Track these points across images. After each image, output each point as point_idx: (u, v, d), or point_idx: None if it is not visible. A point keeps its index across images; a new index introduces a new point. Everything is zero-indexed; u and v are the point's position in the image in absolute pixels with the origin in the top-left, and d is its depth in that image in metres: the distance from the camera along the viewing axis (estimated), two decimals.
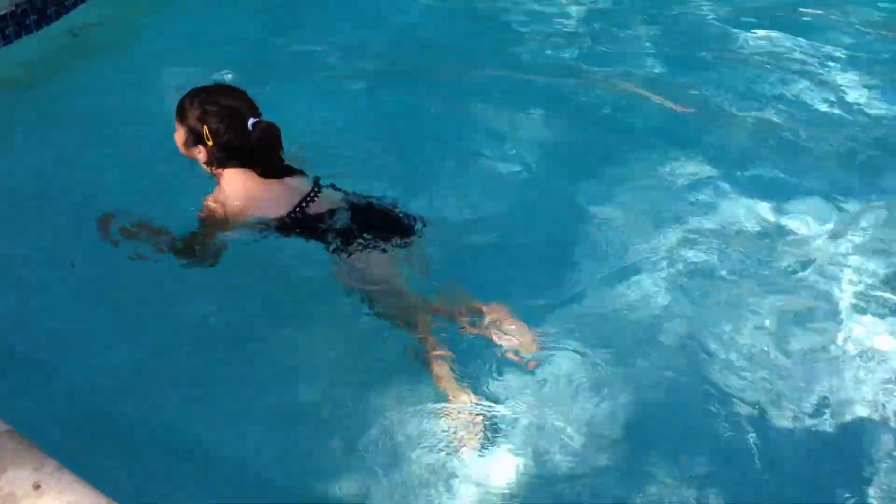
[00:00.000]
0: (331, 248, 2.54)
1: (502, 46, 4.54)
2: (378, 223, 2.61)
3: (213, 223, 2.54)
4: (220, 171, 2.54)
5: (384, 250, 2.57)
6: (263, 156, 2.52)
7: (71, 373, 2.31)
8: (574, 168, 3.53)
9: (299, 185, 2.61)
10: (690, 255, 3.04)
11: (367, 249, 2.55)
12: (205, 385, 2.39)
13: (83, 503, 1.59)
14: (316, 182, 2.65)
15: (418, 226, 2.67)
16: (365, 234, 2.56)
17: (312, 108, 3.75)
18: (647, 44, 4.60)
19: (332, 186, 2.68)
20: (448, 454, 2.25)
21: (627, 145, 3.71)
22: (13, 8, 3.64)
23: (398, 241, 2.60)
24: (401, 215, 2.68)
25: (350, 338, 2.60)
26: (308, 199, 2.57)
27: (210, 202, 2.52)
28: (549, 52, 4.47)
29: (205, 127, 2.48)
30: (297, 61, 4.15)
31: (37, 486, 1.62)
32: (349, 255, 2.53)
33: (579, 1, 5.05)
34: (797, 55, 4.54)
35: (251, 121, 2.47)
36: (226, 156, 2.51)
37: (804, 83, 4.22)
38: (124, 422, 2.12)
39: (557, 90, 4.12)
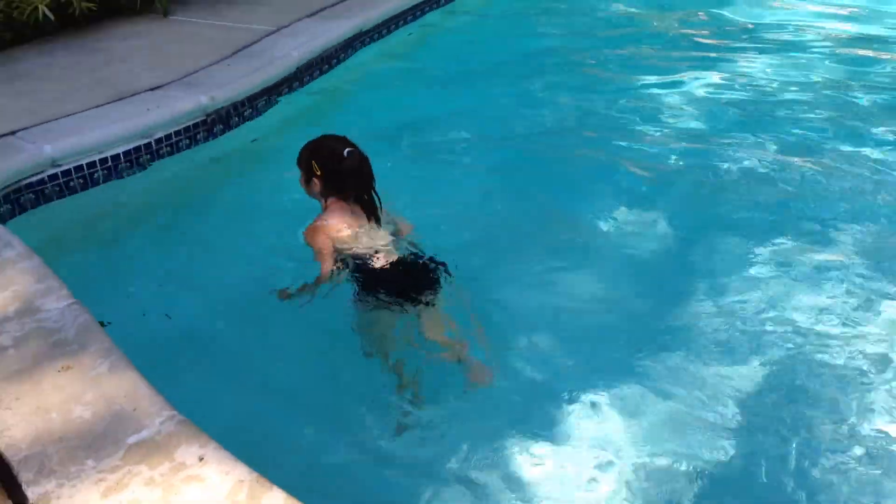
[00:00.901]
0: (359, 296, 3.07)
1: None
2: (417, 285, 3.10)
3: (313, 237, 3.08)
4: (328, 200, 3.14)
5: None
6: (354, 181, 3.08)
7: (231, 379, 2.87)
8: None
9: (379, 236, 3.13)
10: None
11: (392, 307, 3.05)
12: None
13: (235, 471, 1.98)
14: (393, 241, 3.17)
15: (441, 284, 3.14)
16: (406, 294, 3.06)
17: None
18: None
19: (410, 243, 3.21)
20: None
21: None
22: (204, 117, 4.42)
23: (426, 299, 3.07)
24: (436, 277, 3.13)
25: None
26: (377, 251, 3.09)
27: (312, 223, 3.11)
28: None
29: (313, 162, 3.11)
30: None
31: (201, 458, 2.03)
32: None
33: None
34: None
35: (346, 150, 3.05)
36: (329, 184, 3.11)
37: None
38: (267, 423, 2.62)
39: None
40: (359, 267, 3.07)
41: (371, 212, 3.15)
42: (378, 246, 3.10)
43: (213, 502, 1.91)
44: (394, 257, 3.11)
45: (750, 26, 7.24)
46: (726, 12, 7.60)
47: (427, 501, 2.52)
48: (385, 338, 3.12)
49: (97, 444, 2.08)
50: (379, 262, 3.07)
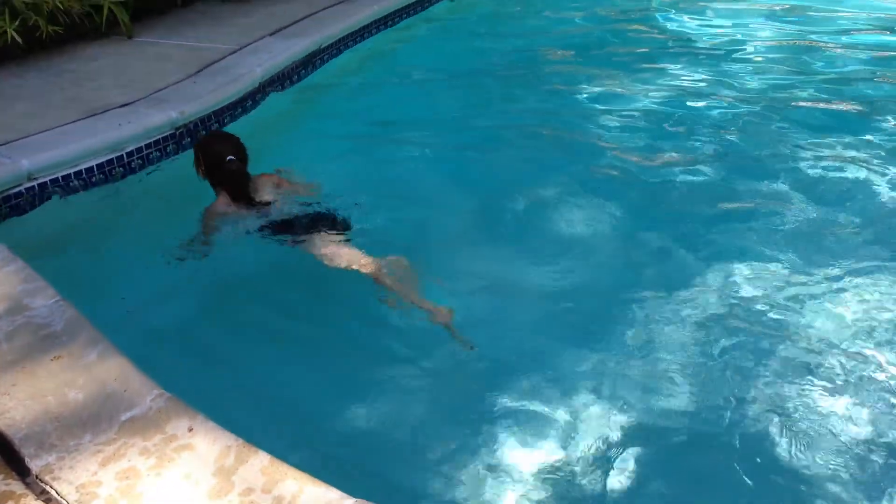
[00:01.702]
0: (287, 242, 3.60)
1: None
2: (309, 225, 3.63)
3: (206, 221, 3.68)
4: (216, 188, 3.68)
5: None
6: (232, 183, 3.64)
7: (211, 359, 3.14)
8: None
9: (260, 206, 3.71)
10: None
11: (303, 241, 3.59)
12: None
13: (222, 439, 2.17)
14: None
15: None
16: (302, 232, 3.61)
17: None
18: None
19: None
20: None
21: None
22: (174, 131, 4.61)
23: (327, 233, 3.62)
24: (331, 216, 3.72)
25: None
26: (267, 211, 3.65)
27: (207, 208, 3.71)
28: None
29: (201, 157, 3.70)
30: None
31: (190, 429, 2.22)
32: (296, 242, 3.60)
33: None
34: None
35: (228, 158, 3.60)
36: (212, 178, 3.68)
37: None
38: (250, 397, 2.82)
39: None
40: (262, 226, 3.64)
41: (243, 201, 3.68)
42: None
43: (203, 466, 2.10)
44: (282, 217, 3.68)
45: (697, 36, 7.65)
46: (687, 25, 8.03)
47: (401, 467, 2.74)
48: None
49: (92, 421, 2.25)
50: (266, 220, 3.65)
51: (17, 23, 5.16)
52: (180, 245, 3.68)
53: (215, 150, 3.68)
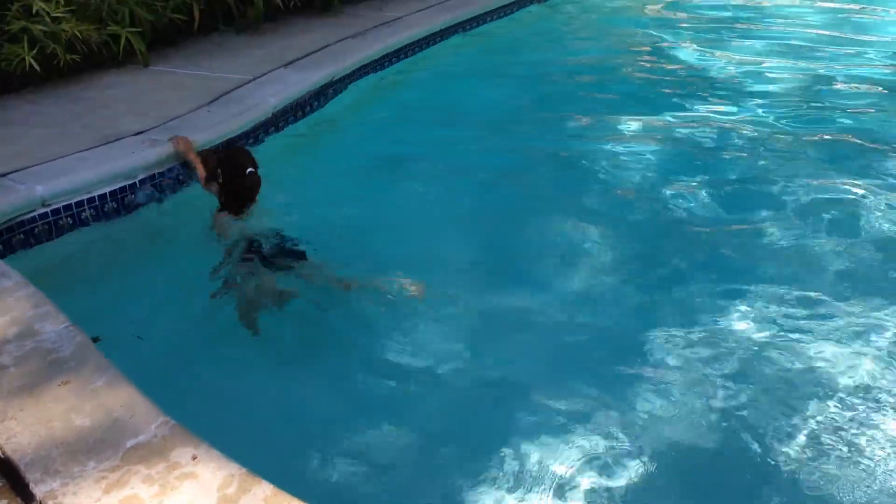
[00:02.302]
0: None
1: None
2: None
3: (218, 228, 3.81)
4: (221, 199, 3.74)
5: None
6: (245, 196, 3.71)
7: (216, 387, 3.16)
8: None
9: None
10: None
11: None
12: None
13: (225, 467, 2.18)
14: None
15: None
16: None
17: None
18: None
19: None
20: None
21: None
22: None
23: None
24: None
25: None
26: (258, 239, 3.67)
27: (215, 214, 3.85)
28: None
29: (219, 169, 3.71)
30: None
31: (194, 457, 2.23)
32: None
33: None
34: None
35: (249, 170, 3.66)
36: (226, 192, 3.71)
37: None
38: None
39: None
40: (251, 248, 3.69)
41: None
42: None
43: (206, 495, 2.10)
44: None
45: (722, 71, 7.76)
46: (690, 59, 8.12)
47: (407, 499, 2.75)
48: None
49: (97, 447, 2.26)
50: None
51: (35, 51, 5.25)
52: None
53: (238, 163, 3.75)
